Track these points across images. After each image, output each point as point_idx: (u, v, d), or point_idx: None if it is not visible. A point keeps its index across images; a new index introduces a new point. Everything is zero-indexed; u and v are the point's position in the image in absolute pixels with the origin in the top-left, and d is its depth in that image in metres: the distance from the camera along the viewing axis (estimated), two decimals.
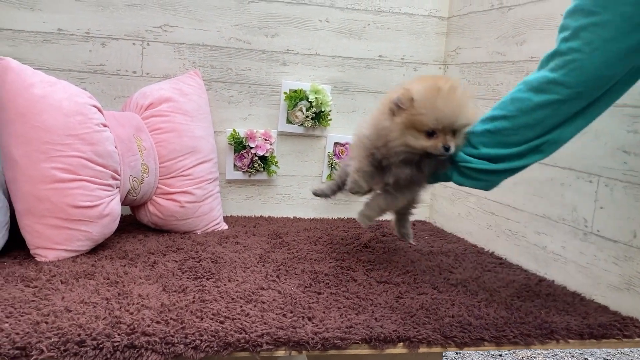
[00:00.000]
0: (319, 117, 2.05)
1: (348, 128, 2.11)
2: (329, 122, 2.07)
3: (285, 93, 2.03)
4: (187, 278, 1.35)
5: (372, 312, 1.21)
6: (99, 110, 1.50)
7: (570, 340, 1.17)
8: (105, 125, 1.50)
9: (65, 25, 1.86)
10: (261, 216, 2.09)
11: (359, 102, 2.12)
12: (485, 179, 1.25)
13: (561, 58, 1.08)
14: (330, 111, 2.06)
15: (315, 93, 2.02)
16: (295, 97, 2.02)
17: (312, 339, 1.07)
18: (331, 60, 2.07)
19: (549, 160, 1.55)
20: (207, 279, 1.35)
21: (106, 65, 1.90)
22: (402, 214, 1.64)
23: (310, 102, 2.02)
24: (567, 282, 1.49)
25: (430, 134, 1.24)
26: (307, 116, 2.03)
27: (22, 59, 1.71)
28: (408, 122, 1.24)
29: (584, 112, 1.13)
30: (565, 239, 1.51)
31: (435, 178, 1.36)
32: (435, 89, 1.24)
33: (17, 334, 0.99)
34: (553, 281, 1.51)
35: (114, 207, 1.50)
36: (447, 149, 1.23)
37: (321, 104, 2.03)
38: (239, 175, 2.04)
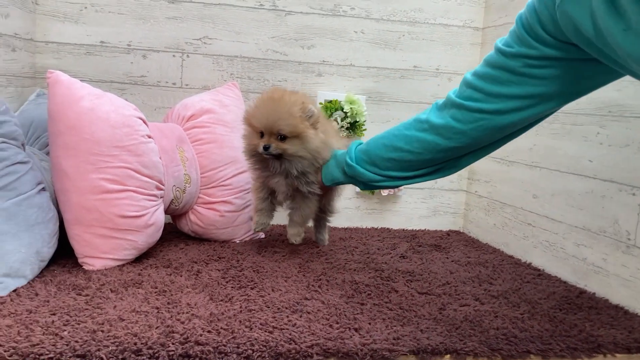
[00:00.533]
0: (354, 127, 2.07)
1: None
2: (363, 132, 2.08)
3: (320, 103, 2.05)
4: (232, 287, 1.37)
5: (417, 323, 1.22)
6: (144, 122, 1.54)
7: (617, 355, 1.17)
8: (150, 137, 1.53)
9: (108, 37, 1.91)
10: None
11: (393, 112, 2.13)
12: (387, 187, 1.41)
13: (469, 114, 1.14)
14: (365, 121, 2.07)
15: (350, 103, 2.04)
16: (331, 108, 2.05)
17: (361, 350, 1.08)
18: (366, 70, 2.09)
19: (589, 172, 1.55)
20: (251, 289, 1.37)
21: (147, 77, 1.95)
22: (317, 221, 1.83)
23: (345, 113, 2.04)
24: (609, 294, 1.48)
25: (262, 135, 1.50)
26: (342, 126, 2.05)
27: (66, 70, 1.76)
28: (248, 124, 1.53)
29: (487, 147, 1.23)
30: (606, 252, 1.51)
31: (331, 181, 1.52)
32: (267, 97, 1.51)
33: (77, 341, 1.02)
34: (594, 294, 1.51)
35: (159, 217, 1.53)
36: (266, 148, 1.47)
37: (356, 114, 2.04)
38: None
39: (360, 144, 1.42)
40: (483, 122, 1.13)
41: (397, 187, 1.42)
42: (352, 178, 1.42)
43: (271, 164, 1.54)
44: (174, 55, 1.95)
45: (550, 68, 1.04)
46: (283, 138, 1.48)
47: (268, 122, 1.48)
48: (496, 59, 1.09)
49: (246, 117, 1.54)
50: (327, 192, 1.64)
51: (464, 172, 2.21)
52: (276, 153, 1.49)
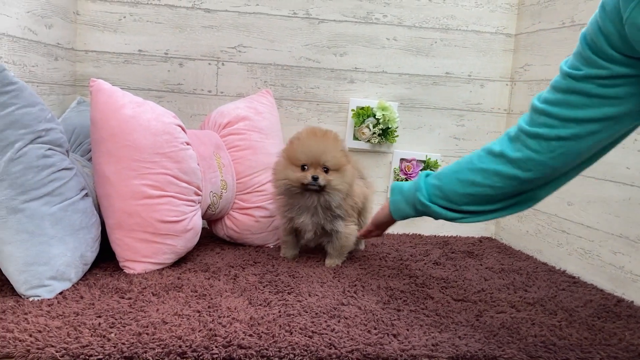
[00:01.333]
0: (386, 133, 2.08)
1: (414, 144, 2.13)
2: (395, 138, 2.10)
3: (352, 110, 2.07)
4: (269, 292, 1.39)
5: (455, 330, 1.23)
6: (183, 129, 1.57)
7: None
8: (188, 144, 1.56)
9: (146, 46, 1.95)
10: None
11: (425, 119, 2.14)
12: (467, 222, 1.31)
13: (547, 143, 1.09)
14: (397, 128, 2.08)
15: (382, 110, 2.06)
16: (363, 114, 2.06)
17: (401, 355, 1.09)
18: (398, 77, 2.10)
19: (626, 180, 1.54)
20: (289, 293, 1.39)
21: (183, 85, 1.99)
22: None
23: (377, 119, 2.06)
24: None
25: (304, 167, 1.56)
26: (374, 133, 2.06)
27: (105, 78, 1.79)
28: (286, 159, 1.59)
29: (565, 175, 1.17)
30: None
31: (402, 217, 1.41)
32: (307, 132, 1.60)
33: (124, 344, 1.05)
34: (632, 302, 1.49)
35: (197, 222, 1.57)
36: (315, 178, 1.54)
37: (388, 120, 2.06)
38: None
39: (428, 175, 1.32)
40: (562, 149, 1.08)
41: (476, 221, 1.30)
42: (424, 214, 1.33)
43: (307, 197, 1.59)
44: (209, 64, 1.99)
45: (623, 86, 0.99)
46: (326, 171, 1.57)
47: (315, 155, 1.55)
48: (566, 84, 1.04)
49: (287, 152, 1.60)
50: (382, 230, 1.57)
51: None
52: (323, 184, 1.55)
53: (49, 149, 1.34)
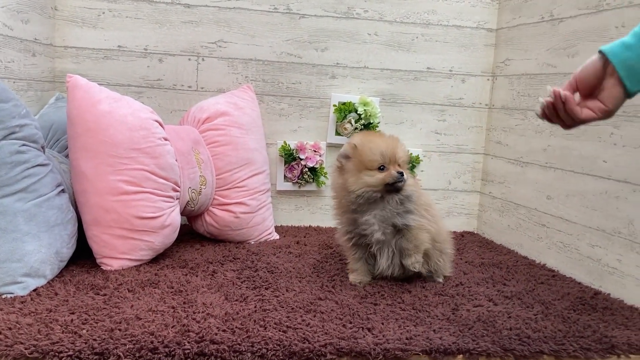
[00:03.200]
0: (368, 129, 2.08)
1: None
2: None
3: (334, 105, 2.07)
4: (247, 287, 1.39)
5: (430, 323, 1.23)
6: (160, 124, 1.56)
7: (632, 356, 1.17)
8: (166, 139, 1.55)
9: (125, 42, 1.94)
10: (310, 226, 2.12)
11: (407, 114, 2.14)
12: None
13: None
14: (378, 123, 2.08)
15: (364, 105, 2.05)
16: (344, 110, 2.06)
17: (374, 349, 1.09)
18: (380, 72, 2.10)
19: (603, 173, 1.55)
20: (266, 289, 1.39)
21: (163, 80, 1.98)
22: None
23: (359, 114, 2.05)
24: (624, 295, 1.47)
25: (382, 168, 1.44)
26: (356, 128, 2.06)
27: (84, 75, 1.79)
28: (359, 165, 1.44)
29: None
30: (621, 253, 1.50)
31: None
32: (372, 134, 1.53)
33: (95, 340, 1.04)
34: (609, 294, 1.50)
35: (175, 218, 1.56)
36: (401, 173, 1.42)
37: (370, 116, 2.05)
38: (289, 186, 2.09)
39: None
40: None
41: None
42: None
43: (383, 200, 1.44)
44: (189, 59, 1.98)
45: None
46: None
47: (391, 152, 1.44)
48: None
49: (356, 159, 1.44)
50: None
51: (477, 173, 2.21)
52: (406, 179, 1.43)
53: (23, 144, 1.33)
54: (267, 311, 1.24)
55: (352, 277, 1.49)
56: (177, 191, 1.58)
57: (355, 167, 1.45)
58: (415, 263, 1.44)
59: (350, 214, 1.48)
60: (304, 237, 1.94)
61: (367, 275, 1.50)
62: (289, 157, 2.05)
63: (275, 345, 1.08)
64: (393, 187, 1.43)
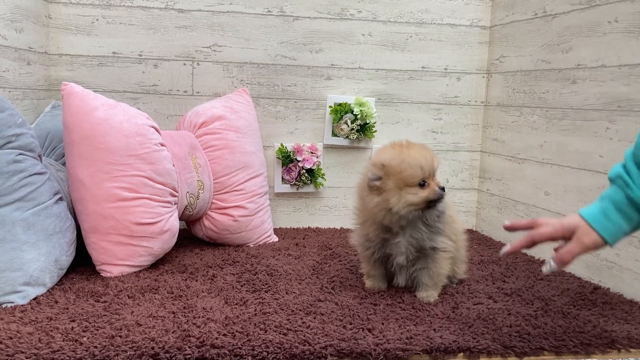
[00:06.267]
0: (364, 129, 2.08)
1: (393, 139, 2.12)
2: (373, 133, 2.10)
3: (330, 107, 2.07)
4: (246, 291, 1.39)
5: (430, 322, 1.23)
6: (157, 130, 1.57)
7: (632, 350, 1.17)
8: (163, 145, 1.56)
9: (120, 48, 1.94)
10: (309, 227, 2.12)
11: (403, 114, 2.14)
12: None
13: None
14: (375, 123, 2.09)
15: (360, 106, 2.06)
16: (340, 111, 2.06)
17: (374, 350, 1.09)
18: (375, 73, 2.11)
19: (600, 168, 1.55)
20: (266, 292, 1.39)
21: (158, 86, 1.98)
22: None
23: (355, 115, 2.06)
24: (623, 290, 1.48)
25: (422, 184, 1.32)
26: (352, 129, 2.07)
27: (80, 82, 1.80)
28: (400, 183, 1.31)
29: None
30: (619, 247, 1.50)
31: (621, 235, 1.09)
32: (399, 147, 1.36)
33: (96, 347, 1.05)
34: (608, 289, 1.50)
35: (173, 223, 1.56)
36: (443, 188, 1.33)
37: (366, 116, 2.06)
38: (286, 188, 2.09)
39: (618, 176, 1.08)
40: None
41: None
42: None
43: (425, 216, 1.36)
44: (184, 64, 1.98)
45: None
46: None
47: (431, 166, 1.33)
48: None
49: (396, 176, 1.31)
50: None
51: (475, 171, 2.21)
52: (446, 193, 1.34)
53: (20, 154, 1.33)
54: (267, 314, 1.24)
55: (369, 284, 1.44)
56: (175, 196, 1.58)
57: (395, 185, 1.31)
58: (429, 297, 1.38)
59: (383, 232, 1.39)
60: (303, 238, 1.94)
61: (383, 282, 1.46)
62: (286, 159, 2.05)
63: (275, 348, 1.08)
64: (434, 203, 1.34)
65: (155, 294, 1.35)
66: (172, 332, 1.12)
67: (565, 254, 1.07)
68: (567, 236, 1.08)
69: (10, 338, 1.07)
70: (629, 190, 1.04)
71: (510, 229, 1.14)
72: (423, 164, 1.31)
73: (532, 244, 1.11)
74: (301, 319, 1.22)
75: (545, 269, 1.10)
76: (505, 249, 1.12)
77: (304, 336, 1.12)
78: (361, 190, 1.40)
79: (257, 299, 1.34)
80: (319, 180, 2.09)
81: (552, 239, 1.10)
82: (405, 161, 1.31)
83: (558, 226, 1.09)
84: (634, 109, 1.47)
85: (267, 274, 1.52)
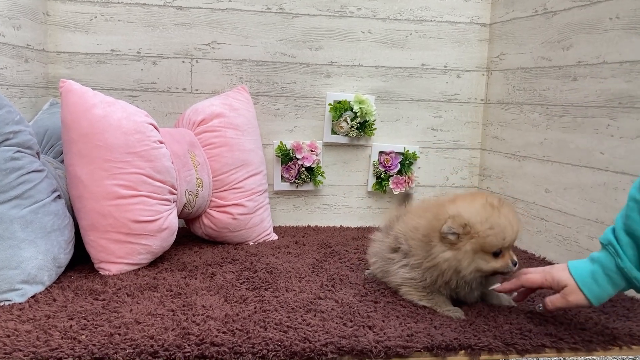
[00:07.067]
0: (364, 126, 2.07)
1: (392, 137, 2.13)
2: (373, 131, 2.09)
3: (329, 104, 2.06)
4: (246, 289, 1.38)
5: (431, 320, 1.22)
6: (155, 127, 1.56)
7: (633, 347, 1.16)
8: (161, 142, 1.55)
9: (118, 46, 1.94)
10: (308, 226, 2.12)
11: (403, 111, 2.14)
12: None
13: None
14: (374, 121, 2.08)
15: (360, 103, 2.05)
16: (340, 108, 2.05)
17: (375, 347, 1.09)
18: (374, 70, 2.10)
19: (601, 165, 1.55)
20: (265, 289, 1.38)
21: (157, 83, 1.97)
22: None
23: (355, 113, 2.05)
24: None
25: (497, 253, 1.24)
26: (352, 126, 2.06)
27: (78, 79, 1.79)
28: (477, 247, 1.22)
29: None
30: None
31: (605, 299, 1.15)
32: (490, 207, 1.23)
33: (94, 345, 1.04)
34: None
35: (172, 221, 1.55)
36: (515, 264, 1.25)
37: (365, 113, 2.05)
38: (286, 186, 2.08)
39: (609, 243, 1.12)
40: None
41: None
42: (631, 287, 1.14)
43: (486, 279, 1.30)
44: (183, 61, 1.98)
45: None
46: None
47: (515, 237, 1.25)
48: None
49: (480, 241, 1.21)
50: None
51: (474, 169, 2.21)
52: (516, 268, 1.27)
53: (18, 151, 1.32)
54: (267, 312, 1.23)
55: (457, 315, 1.27)
56: (174, 194, 1.57)
57: (471, 249, 1.22)
58: (511, 301, 1.35)
59: (444, 287, 1.29)
60: (303, 236, 1.93)
61: (449, 303, 1.31)
62: (286, 157, 2.05)
63: (276, 346, 1.07)
64: (500, 274, 1.27)
65: (154, 292, 1.34)
66: (172, 330, 1.11)
67: (550, 305, 1.17)
68: (554, 288, 1.17)
69: (8, 336, 1.06)
70: (619, 260, 1.09)
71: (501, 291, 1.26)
72: (507, 235, 1.22)
73: (521, 287, 1.23)
74: (301, 316, 1.21)
75: (536, 307, 1.24)
76: (495, 286, 1.25)
77: (304, 334, 1.12)
78: (429, 232, 1.27)
79: (256, 296, 1.33)
80: (319, 178, 2.08)
81: (541, 287, 1.21)
82: (492, 228, 1.21)
83: (548, 277, 1.18)
84: (635, 106, 1.47)
85: (267, 272, 1.51)
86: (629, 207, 1.09)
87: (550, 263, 1.72)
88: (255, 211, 1.82)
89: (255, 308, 1.25)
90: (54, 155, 1.66)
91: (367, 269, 1.55)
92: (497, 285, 1.22)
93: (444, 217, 1.24)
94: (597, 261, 1.13)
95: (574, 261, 1.17)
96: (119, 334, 1.09)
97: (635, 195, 1.08)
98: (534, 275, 1.20)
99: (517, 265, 1.26)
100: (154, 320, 1.16)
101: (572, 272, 1.14)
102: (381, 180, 2.13)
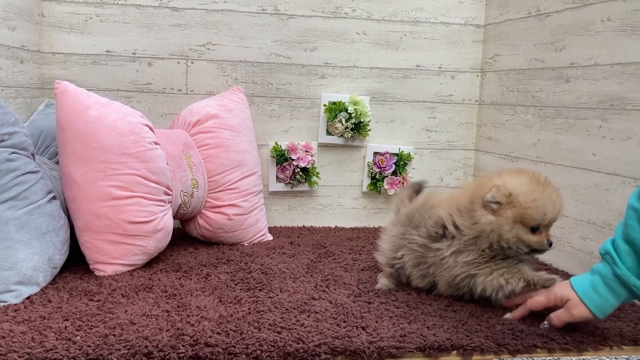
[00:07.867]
0: (358, 127, 2.08)
1: (387, 138, 2.14)
2: (368, 132, 2.10)
3: (324, 105, 2.07)
4: (241, 289, 1.39)
5: (424, 320, 1.23)
6: (150, 128, 1.56)
7: (624, 347, 1.18)
8: (157, 143, 1.55)
9: (114, 47, 1.94)
10: (303, 226, 2.12)
11: (397, 112, 2.15)
12: None
13: None
14: (369, 121, 2.09)
15: (354, 104, 2.06)
16: (335, 109, 2.06)
17: (368, 348, 1.09)
18: (369, 71, 2.11)
19: (593, 166, 1.56)
20: (260, 290, 1.39)
21: (152, 84, 1.98)
22: None
23: (350, 114, 2.06)
24: None
25: (535, 229, 1.25)
26: (347, 127, 2.07)
27: (73, 80, 1.80)
28: (517, 217, 1.23)
29: None
30: None
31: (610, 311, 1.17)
32: (536, 183, 1.25)
33: (89, 346, 1.04)
34: None
35: (167, 222, 1.56)
36: (551, 244, 1.26)
37: (360, 114, 2.06)
38: (281, 186, 2.09)
39: (607, 252, 1.14)
40: None
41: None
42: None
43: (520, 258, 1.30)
44: (178, 62, 1.98)
45: None
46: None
47: (556, 216, 1.26)
48: None
49: (518, 206, 1.23)
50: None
51: (469, 169, 2.22)
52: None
53: (13, 152, 1.32)
54: (261, 312, 1.24)
55: (549, 277, 1.26)
56: (169, 195, 1.58)
57: (512, 216, 1.23)
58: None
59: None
60: (298, 237, 1.94)
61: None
62: (281, 158, 2.06)
63: (269, 347, 1.08)
64: (534, 253, 1.29)
65: (149, 292, 1.34)
66: (166, 331, 1.12)
67: (555, 320, 1.19)
68: (559, 305, 1.19)
69: (3, 337, 1.06)
70: (616, 267, 1.11)
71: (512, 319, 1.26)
72: (549, 212, 1.23)
73: (529, 313, 1.24)
74: (295, 317, 1.22)
75: (541, 327, 1.22)
76: (507, 316, 1.27)
77: (298, 334, 1.13)
78: (473, 198, 1.29)
79: (251, 297, 1.34)
80: (314, 178, 2.09)
81: (547, 307, 1.21)
82: (536, 201, 1.22)
83: (551, 295, 1.20)
84: (627, 108, 1.48)
85: (262, 273, 1.52)
86: (628, 215, 1.11)
87: (543, 264, 1.73)
88: (251, 212, 1.82)
89: (249, 309, 1.26)
90: (49, 157, 1.67)
91: (379, 281, 1.48)
92: (507, 315, 1.26)
93: (488, 186, 1.27)
94: (597, 272, 1.15)
95: (576, 276, 1.20)
96: (114, 335, 1.09)
97: (634, 204, 1.10)
98: (538, 297, 1.22)
99: (552, 246, 1.26)
100: (149, 321, 1.16)
101: (574, 285, 1.17)
102: (376, 181, 2.14)
